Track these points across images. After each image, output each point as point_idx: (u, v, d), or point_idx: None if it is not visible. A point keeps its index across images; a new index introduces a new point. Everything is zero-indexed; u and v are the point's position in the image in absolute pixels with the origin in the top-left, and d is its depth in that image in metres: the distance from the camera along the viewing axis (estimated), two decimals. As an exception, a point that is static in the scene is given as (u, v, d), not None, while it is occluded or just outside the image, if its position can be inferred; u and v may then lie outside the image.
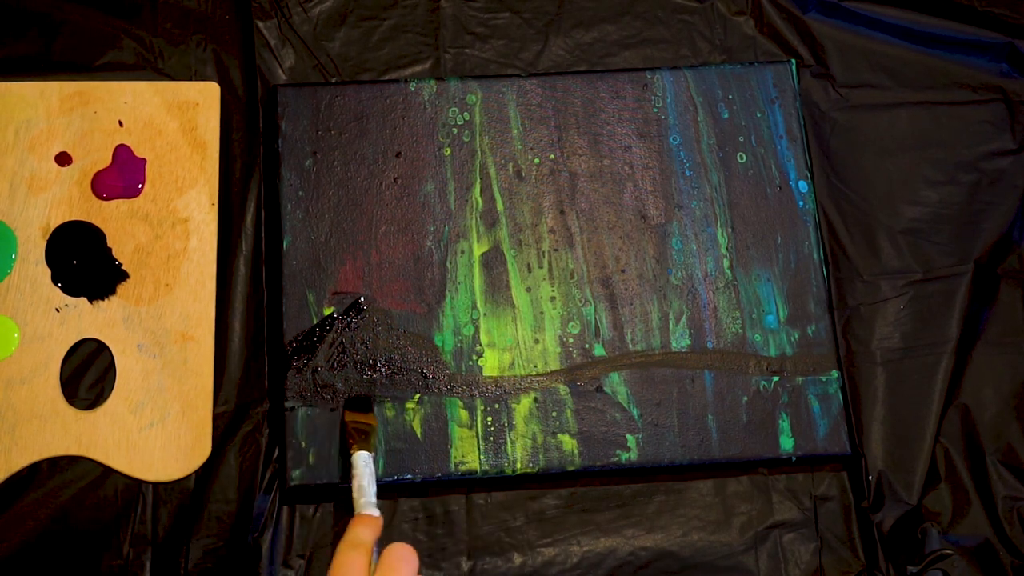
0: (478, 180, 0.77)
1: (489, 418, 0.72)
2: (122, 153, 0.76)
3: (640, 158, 0.78)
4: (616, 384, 0.73)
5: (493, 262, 0.75)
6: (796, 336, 0.74)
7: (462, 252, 0.75)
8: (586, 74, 0.80)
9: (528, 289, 0.75)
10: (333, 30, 0.81)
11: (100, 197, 0.75)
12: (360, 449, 0.67)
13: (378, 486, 0.72)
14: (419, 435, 0.71)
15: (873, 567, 0.72)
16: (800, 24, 0.83)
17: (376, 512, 0.62)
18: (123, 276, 0.74)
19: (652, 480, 0.73)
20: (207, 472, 0.71)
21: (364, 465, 0.66)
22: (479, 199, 0.76)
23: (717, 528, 0.73)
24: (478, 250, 0.75)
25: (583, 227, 0.76)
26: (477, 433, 0.72)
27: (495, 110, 0.78)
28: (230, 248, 0.76)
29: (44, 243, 0.74)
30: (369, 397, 0.71)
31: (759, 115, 0.79)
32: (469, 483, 0.72)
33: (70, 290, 0.73)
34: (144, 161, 0.76)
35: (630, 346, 0.74)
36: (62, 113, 0.76)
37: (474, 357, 0.73)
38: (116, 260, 0.74)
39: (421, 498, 0.72)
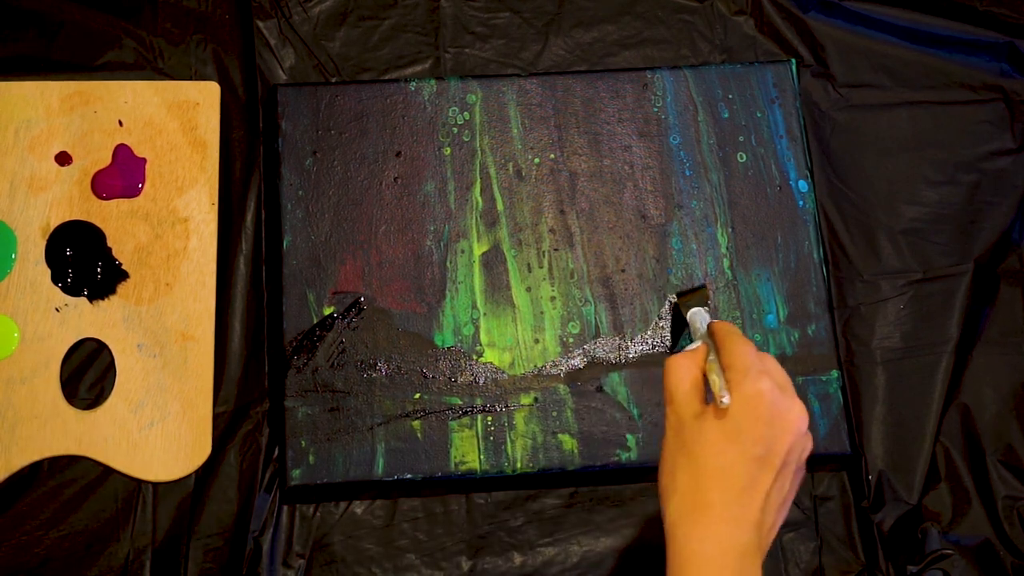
0: (478, 180, 0.77)
1: (489, 418, 0.72)
2: (122, 153, 0.76)
3: (640, 158, 0.78)
4: (616, 384, 0.73)
5: (493, 262, 0.75)
6: (796, 336, 0.74)
7: (462, 252, 0.75)
8: (586, 74, 0.80)
9: (528, 289, 0.75)
10: (333, 30, 0.81)
11: (100, 197, 0.75)
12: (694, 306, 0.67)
13: (378, 486, 0.72)
14: (419, 435, 0.71)
15: (873, 567, 0.72)
16: (800, 24, 0.83)
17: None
18: (123, 276, 0.74)
19: (652, 480, 0.73)
20: (207, 472, 0.71)
21: (694, 314, 0.66)
22: (479, 199, 0.76)
23: (717, 528, 0.72)
24: (478, 250, 0.75)
25: (583, 227, 0.76)
26: (477, 433, 0.72)
27: (495, 110, 0.78)
28: (230, 248, 0.76)
29: (44, 243, 0.74)
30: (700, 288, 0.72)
31: (759, 115, 0.79)
32: (469, 483, 0.72)
33: (70, 290, 0.73)
34: (144, 161, 0.76)
35: (630, 346, 0.74)
36: (62, 113, 0.76)
37: (474, 357, 0.73)
38: (116, 260, 0.74)
39: (421, 498, 0.72)
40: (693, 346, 0.60)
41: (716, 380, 0.56)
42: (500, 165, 0.77)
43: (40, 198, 0.75)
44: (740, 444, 0.54)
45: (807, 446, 0.57)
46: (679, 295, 0.72)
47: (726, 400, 0.55)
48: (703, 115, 0.79)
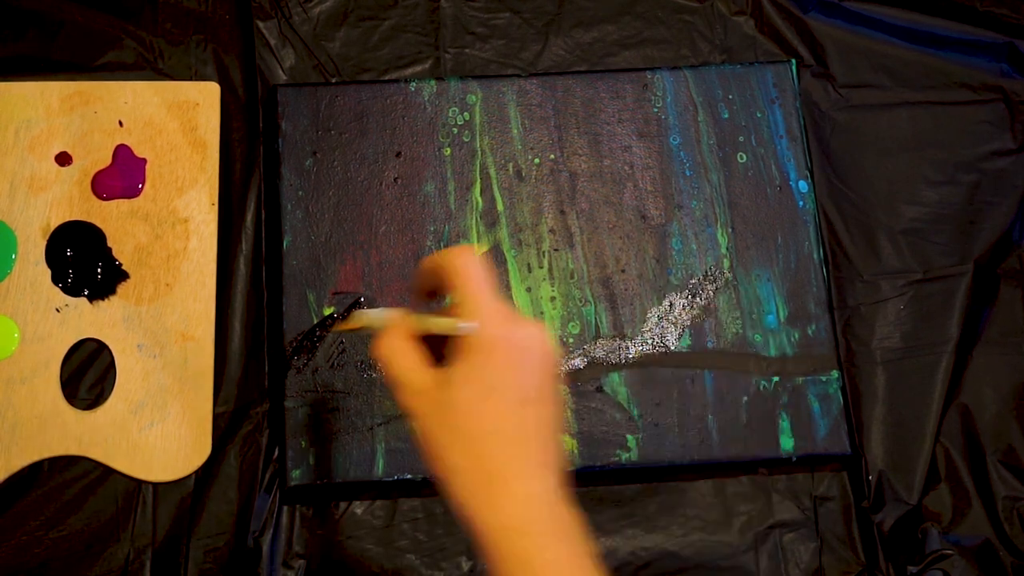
0: (478, 180, 0.77)
1: (489, 418, 0.72)
2: (122, 153, 0.76)
3: (640, 158, 0.78)
4: (616, 384, 0.73)
5: (493, 262, 0.75)
6: (796, 336, 0.74)
7: (462, 252, 0.75)
8: (586, 74, 0.80)
9: (528, 289, 0.75)
10: (333, 30, 0.81)
11: (100, 197, 0.75)
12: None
13: (378, 486, 0.72)
14: (419, 435, 0.71)
15: (873, 567, 0.72)
16: (800, 24, 0.83)
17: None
18: (123, 276, 0.74)
19: (652, 480, 0.73)
20: (207, 472, 0.71)
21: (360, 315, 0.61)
22: (479, 199, 0.76)
23: (717, 528, 0.72)
24: (478, 250, 0.75)
25: (583, 227, 0.76)
26: (477, 433, 0.72)
27: (495, 110, 0.78)
28: (230, 248, 0.76)
29: (44, 243, 0.74)
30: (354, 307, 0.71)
31: (759, 115, 0.79)
32: (469, 483, 0.72)
33: (70, 290, 0.73)
34: (144, 161, 0.76)
35: (630, 346, 0.74)
36: (62, 113, 0.76)
37: (474, 357, 0.73)
38: (116, 260, 0.74)
39: (421, 498, 0.72)
40: (381, 315, 0.56)
41: (445, 322, 0.53)
42: (500, 165, 0.77)
43: (40, 198, 0.75)
44: (496, 399, 0.51)
45: (553, 358, 0.54)
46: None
47: (472, 325, 0.51)
48: (703, 115, 0.79)
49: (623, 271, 0.75)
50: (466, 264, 0.54)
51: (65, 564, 0.69)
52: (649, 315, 0.75)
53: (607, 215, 0.76)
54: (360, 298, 0.74)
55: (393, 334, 0.54)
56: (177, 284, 0.74)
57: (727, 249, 0.76)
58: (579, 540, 0.51)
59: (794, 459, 0.73)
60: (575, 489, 0.73)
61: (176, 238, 0.75)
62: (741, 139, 0.78)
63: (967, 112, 0.82)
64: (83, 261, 0.74)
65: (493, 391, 0.51)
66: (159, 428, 0.71)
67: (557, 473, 0.52)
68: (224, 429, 0.72)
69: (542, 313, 0.74)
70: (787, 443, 0.72)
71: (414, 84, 0.78)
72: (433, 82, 0.78)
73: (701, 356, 0.74)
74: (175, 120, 0.77)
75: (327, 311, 0.73)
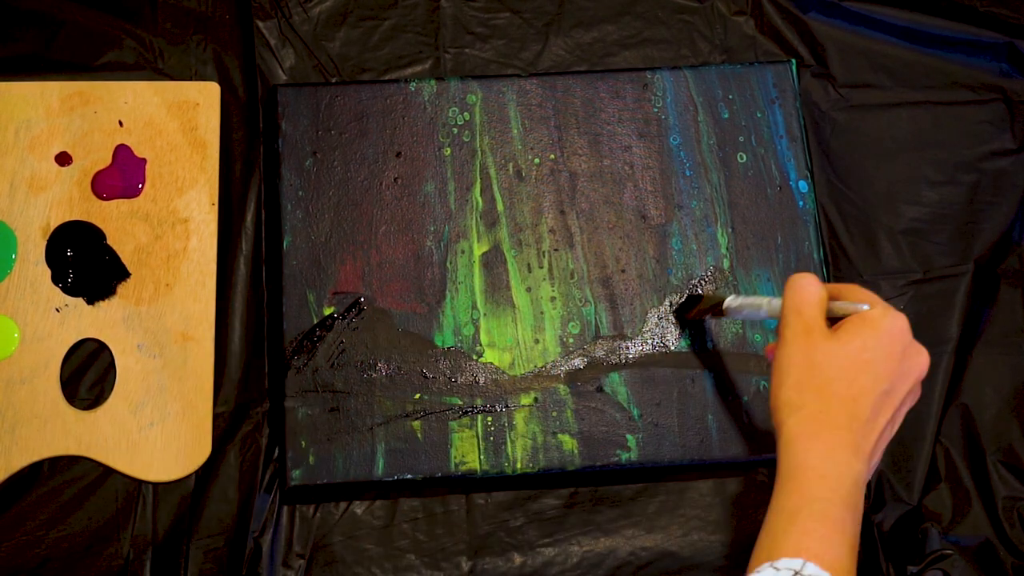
0: (478, 180, 0.77)
1: (489, 418, 0.72)
2: (122, 153, 0.76)
3: (640, 158, 0.78)
4: (616, 384, 0.73)
5: (493, 262, 0.75)
6: (796, 336, 0.74)
7: (462, 252, 0.75)
8: (586, 74, 0.80)
9: (528, 289, 0.75)
10: (333, 30, 0.81)
11: (100, 197, 0.75)
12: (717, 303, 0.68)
13: (378, 486, 0.72)
14: (419, 435, 0.71)
15: (873, 567, 0.72)
16: (800, 24, 0.83)
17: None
18: (123, 276, 0.74)
19: (652, 480, 0.73)
20: (207, 472, 0.71)
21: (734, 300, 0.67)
22: (479, 199, 0.76)
23: (717, 528, 0.73)
24: (478, 250, 0.75)
25: (583, 227, 0.76)
26: (477, 433, 0.72)
27: (495, 110, 0.78)
28: (230, 248, 0.76)
29: (44, 243, 0.74)
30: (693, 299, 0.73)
31: (759, 115, 0.79)
32: (469, 483, 0.72)
33: (70, 290, 0.73)
34: (144, 161, 0.76)
35: (630, 346, 0.74)
36: (62, 113, 0.76)
37: (474, 357, 0.73)
38: (117, 257, 0.74)
39: (421, 498, 0.72)
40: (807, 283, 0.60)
41: (848, 306, 0.57)
42: (500, 165, 0.77)
43: (40, 198, 0.75)
44: (872, 376, 0.55)
45: (917, 394, 0.58)
46: (683, 309, 0.74)
47: (866, 306, 0.57)
48: (703, 115, 0.79)
49: (623, 271, 0.75)
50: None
51: (65, 564, 0.69)
52: (649, 315, 0.75)
53: (607, 215, 0.76)
54: (360, 297, 0.74)
55: (814, 277, 0.58)
56: (177, 284, 0.74)
57: (727, 249, 0.76)
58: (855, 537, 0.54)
59: (794, 459, 0.72)
60: (575, 489, 0.73)
61: (176, 238, 0.75)
62: (741, 139, 0.78)
63: (967, 112, 0.82)
64: (83, 261, 0.74)
65: (871, 370, 0.55)
66: (159, 428, 0.71)
67: (868, 474, 0.56)
68: (224, 429, 0.72)
69: (542, 313, 0.74)
70: (787, 443, 0.72)
71: (414, 84, 0.78)
72: (433, 82, 0.78)
73: (701, 356, 0.74)
74: (175, 120, 0.77)
75: (327, 311, 0.73)
